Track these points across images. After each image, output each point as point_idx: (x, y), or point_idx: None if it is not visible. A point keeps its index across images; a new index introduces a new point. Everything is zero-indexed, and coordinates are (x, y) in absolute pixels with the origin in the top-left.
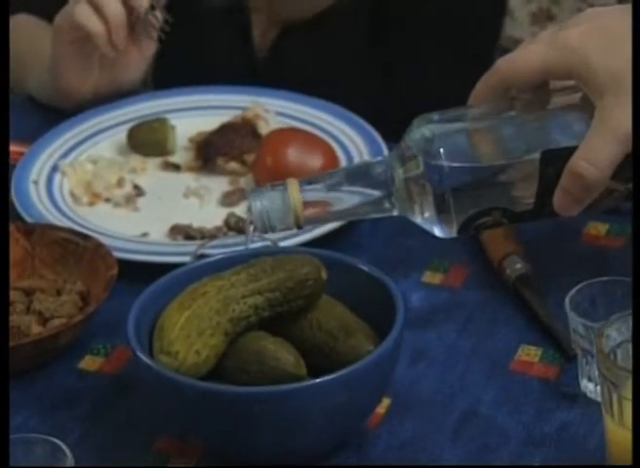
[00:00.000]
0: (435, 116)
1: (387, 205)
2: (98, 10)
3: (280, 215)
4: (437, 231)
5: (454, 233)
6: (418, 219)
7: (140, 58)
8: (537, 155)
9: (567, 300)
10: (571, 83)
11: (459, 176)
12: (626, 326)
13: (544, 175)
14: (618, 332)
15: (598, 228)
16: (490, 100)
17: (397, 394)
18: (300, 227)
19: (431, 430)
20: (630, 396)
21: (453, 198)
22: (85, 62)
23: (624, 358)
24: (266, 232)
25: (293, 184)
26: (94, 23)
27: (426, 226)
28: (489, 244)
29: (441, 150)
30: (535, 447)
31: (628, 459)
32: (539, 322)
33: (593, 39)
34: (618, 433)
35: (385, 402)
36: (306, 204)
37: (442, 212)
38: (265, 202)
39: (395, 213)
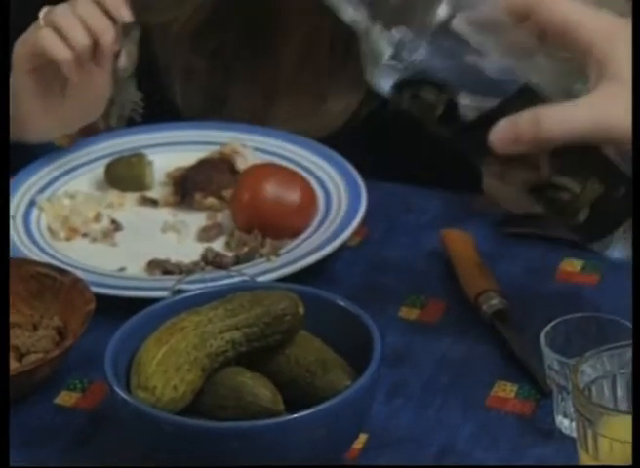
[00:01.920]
0: None
1: None
2: (63, 37)
3: None
4: None
5: None
6: None
7: (104, 77)
8: None
9: (542, 336)
10: None
11: None
12: (601, 362)
13: (510, 101)
14: (592, 369)
15: (573, 265)
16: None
17: (374, 429)
18: None
19: (408, 465)
20: (605, 432)
21: None
22: (47, 90)
23: (599, 394)
24: None
25: None
26: (60, 49)
27: None
28: (465, 280)
29: None
30: None
31: None
32: (514, 358)
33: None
34: None
35: (362, 437)
36: None
37: None
38: None
39: None
